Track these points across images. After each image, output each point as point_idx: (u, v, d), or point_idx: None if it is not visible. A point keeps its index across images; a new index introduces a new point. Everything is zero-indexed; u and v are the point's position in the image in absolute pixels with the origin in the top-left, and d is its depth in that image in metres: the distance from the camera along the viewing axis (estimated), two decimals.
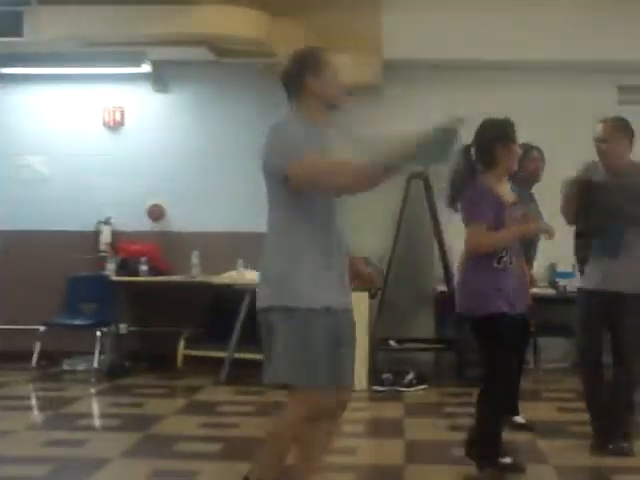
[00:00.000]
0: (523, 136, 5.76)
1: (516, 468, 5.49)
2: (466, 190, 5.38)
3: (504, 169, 5.42)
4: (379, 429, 7.35)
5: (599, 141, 5.90)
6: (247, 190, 9.97)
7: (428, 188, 9.39)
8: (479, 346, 5.46)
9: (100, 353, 9.39)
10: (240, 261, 9.24)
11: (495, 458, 5.39)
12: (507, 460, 5.48)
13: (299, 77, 4.32)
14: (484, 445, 5.37)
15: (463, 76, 9.79)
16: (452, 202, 5.52)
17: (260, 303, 4.29)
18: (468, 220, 5.36)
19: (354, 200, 9.51)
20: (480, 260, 5.29)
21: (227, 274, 9.29)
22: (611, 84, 9.76)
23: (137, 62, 9.70)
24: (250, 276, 9.06)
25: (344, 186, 4.17)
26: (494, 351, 5.29)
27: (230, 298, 9.04)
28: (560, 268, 9.27)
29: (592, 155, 6.01)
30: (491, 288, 5.23)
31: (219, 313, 9.46)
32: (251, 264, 9.11)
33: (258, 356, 8.79)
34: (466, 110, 9.31)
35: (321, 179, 4.13)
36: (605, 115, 6.10)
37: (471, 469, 5.43)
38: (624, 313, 5.82)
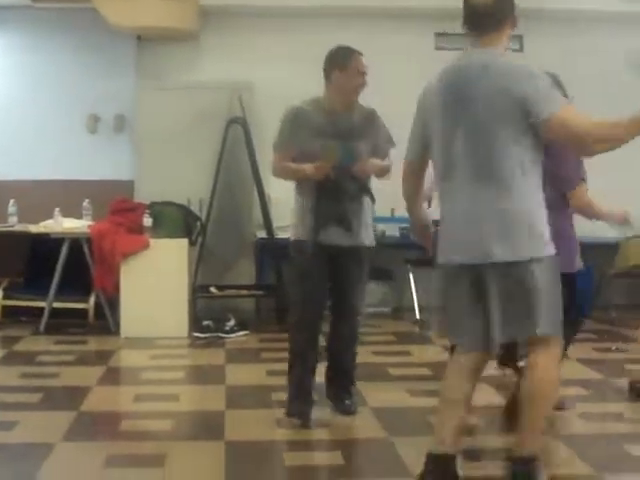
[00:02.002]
0: None
1: None
2: None
3: None
4: (200, 376, 7.39)
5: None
6: (65, 138, 9.81)
7: (247, 133, 9.38)
8: None
9: None
10: (57, 210, 9.07)
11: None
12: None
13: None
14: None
15: (283, 23, 9.82)
16: None
17: (519, 254, 4.11)
18: None
19: (175, 145, 9.53)
20: None
21: (44, 223, 9.12)
22: (428, 30, 9.97)
23: None
24: (68, 224, 8.93)
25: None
26: None
27: (48, 247, 8.89)
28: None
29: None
30: None
31: (37, 262, 9.28)
32: (68, 213, 8.98)
33: (77, 305, 8.93)
34: (287, 57, 9.63)
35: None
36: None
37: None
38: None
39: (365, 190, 5.60)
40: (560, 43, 9.79)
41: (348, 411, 5.70)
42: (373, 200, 5.66)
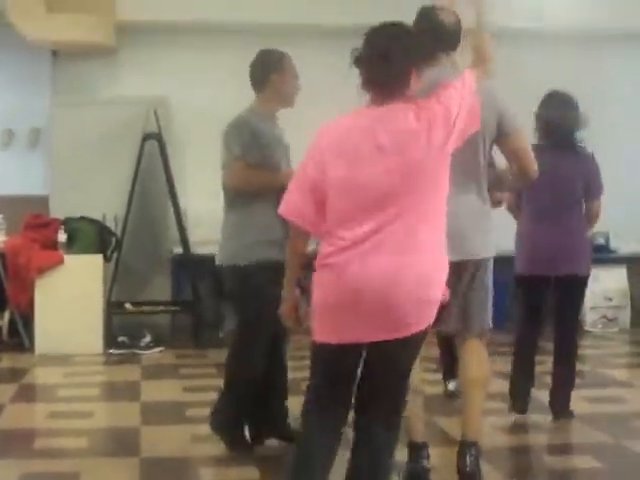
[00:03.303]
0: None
1: None
2: None
3: None
4: (116, 392, 7.36)
5: None
6: None
7: (163, 148, 9.36)
8: None
9: None
10: None
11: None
12: None
13: None
14: None
15: (200, 39, 9.82)
16: None
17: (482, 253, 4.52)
18: None
19: (90, 160, 9.40)
20: None
21: None
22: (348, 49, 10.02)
23: None
24: None
25: None
26: None
27: None
28: None
29: None
30: None
31: None
32: None
33: None
34: (203, 72, 9.64)
35: None
36: None
37: (203, 428, 5.54)
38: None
39: None
40: None
41: None
42: None
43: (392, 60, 3.53)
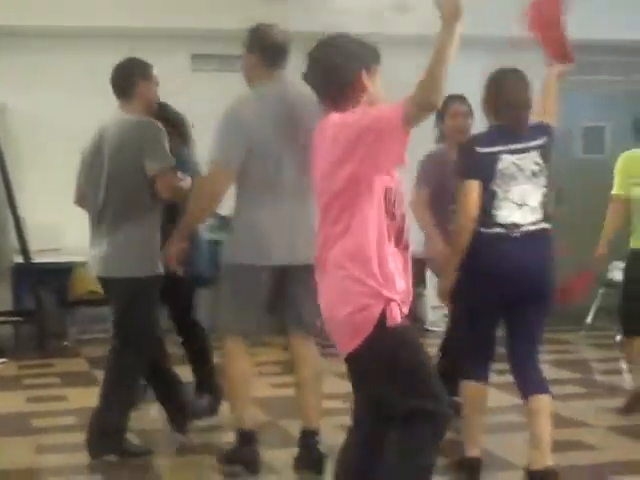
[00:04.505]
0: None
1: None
2: None
3: None
4: None
5: None
6: None
7: (0, 155, 9.13)
8: None
9: None
10: None
11: None
12: None
13: None
14: None
15: (38, 44, 9.56)
16: None
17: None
18: None
19: None
20: None
21: None
22: (185, 52, 10.06)
23: None
24: None
25: None
26: None
27: None
28: None
29: None
30: None
31: None
32: None
33: None
34: (40, 77, 9.48)
35: None
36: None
37: (50, 438, 5.48)
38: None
39: None
40: None
41: None
42: None
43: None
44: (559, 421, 5.77)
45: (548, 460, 4.57)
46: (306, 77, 3.62)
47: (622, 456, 5.28)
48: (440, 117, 5.85)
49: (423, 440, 3.44)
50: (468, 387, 4.81)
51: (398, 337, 3.42)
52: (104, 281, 5.33)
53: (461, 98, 6.02)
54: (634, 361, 6.26)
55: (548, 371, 6.25)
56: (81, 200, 5.48)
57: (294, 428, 5.50)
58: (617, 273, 8.86)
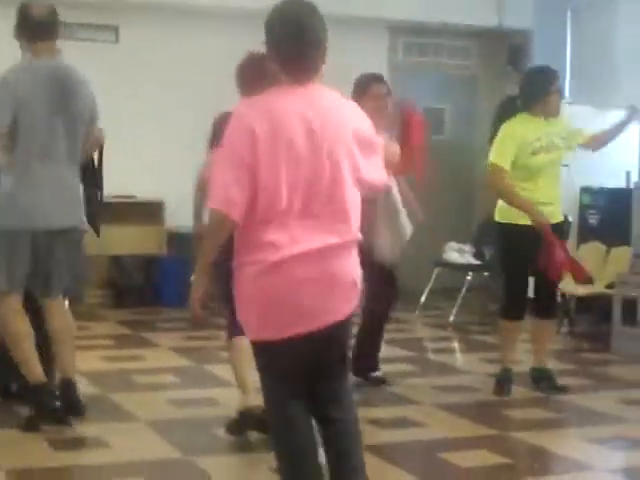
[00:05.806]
0: None
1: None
2: None
3: None
4: None
5: None
6: None
7: None
8: None
9: None
10: None
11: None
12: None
13: None
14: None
15: None
16: None
17: None
18: None
19: None
20: None
21: None
22: None
23: None
24: None
25: None
26: None
27: None
28: None
29: None
30: None
31: None
32: None
33: None
34: None
35: None
36: None
37: None
38: None
39: None
40: (156, 34, 9.64)
41: None
42: None
43: (311, 34, 3.35)
44: (393, 398, 5.89)
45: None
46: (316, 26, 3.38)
47: (449, 433, 5.35)
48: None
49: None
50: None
51: None
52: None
53: (379, 78, 5.90)
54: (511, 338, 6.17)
55: (384, 349, 6.37)
56: None
57: (125, 401, 5.44)
58: (452, 254, 9.06)
